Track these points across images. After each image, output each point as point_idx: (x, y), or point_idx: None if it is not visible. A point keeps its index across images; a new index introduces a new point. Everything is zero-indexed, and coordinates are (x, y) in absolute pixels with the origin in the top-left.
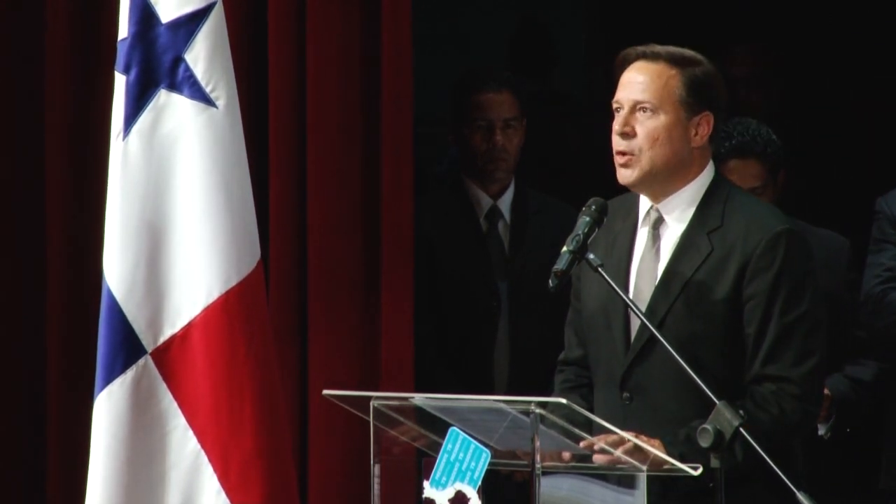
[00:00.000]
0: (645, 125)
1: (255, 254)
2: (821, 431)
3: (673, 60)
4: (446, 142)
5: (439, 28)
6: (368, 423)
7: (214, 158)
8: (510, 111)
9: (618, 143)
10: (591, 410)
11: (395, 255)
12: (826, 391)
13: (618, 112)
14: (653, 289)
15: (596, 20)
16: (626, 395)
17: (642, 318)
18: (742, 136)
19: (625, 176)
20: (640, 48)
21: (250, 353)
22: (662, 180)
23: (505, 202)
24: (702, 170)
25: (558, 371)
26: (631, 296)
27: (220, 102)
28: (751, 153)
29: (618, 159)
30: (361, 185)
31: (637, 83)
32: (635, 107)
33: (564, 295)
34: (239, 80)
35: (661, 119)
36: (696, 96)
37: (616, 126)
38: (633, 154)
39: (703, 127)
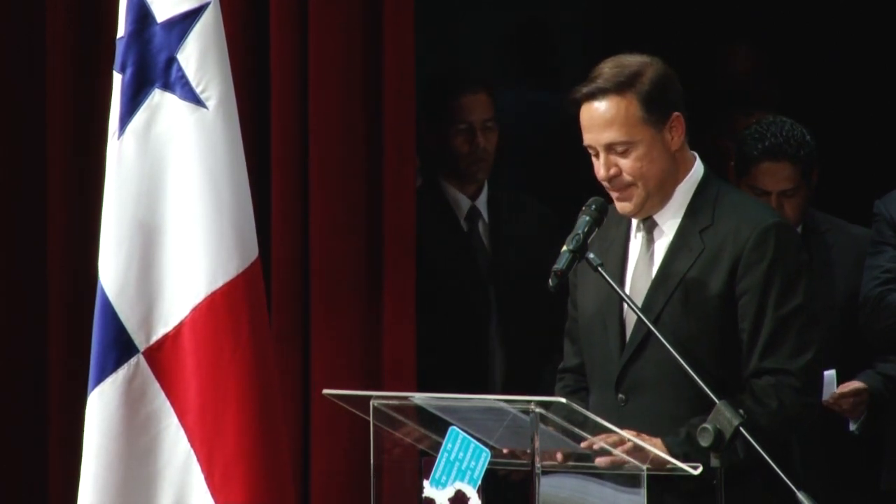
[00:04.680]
0: (626, 161)
1: (249, 254)
2: (851, 427)
3: (619, 87)
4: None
5: (442, 29)
6: (370, 423)
7: (204, 159)
8: (488, 112)
9: (607, 185)
10: None
11: (397, 256)
12: (863, 385)
13: (594, 155)
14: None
15: (596, 21)
16: (621, 396)
17: (639, 314)
18: (775, 137)
19: (624, 209)
20: (584, 88)
21: (237, 354)
22: (657, 197)
23: (482, 202)
24: (688, 168)
25: (558, 379)
26: None
27: (211, 103)
28: (783, 156)
29: (613, 195)
30: (363, 186)
31: (598, 125)
32: (609, 148)
33: (559, 291)
34: (240, 81)
35: (638, 150)
36: (656, 108)
37: (601, 172)
38: (625, 188)
39: (677, 129)
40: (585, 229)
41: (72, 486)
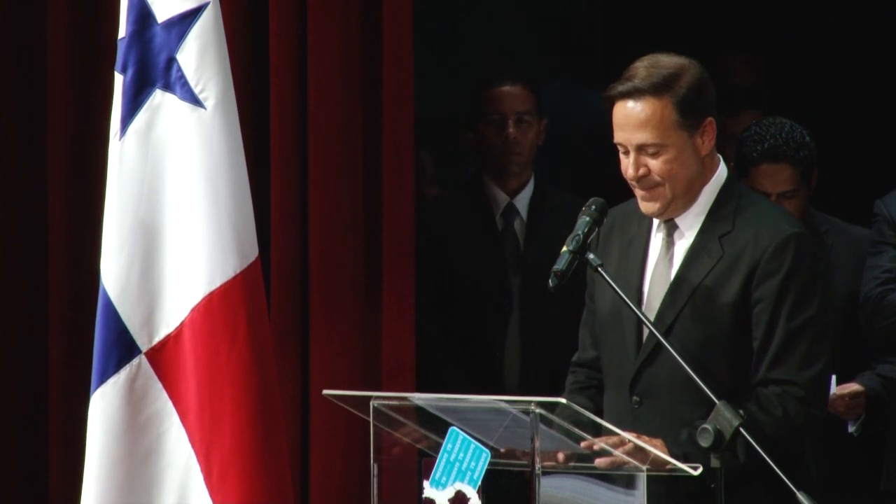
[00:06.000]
0: (655, 163)
1: (248, 254)
2: (850, 428)
3: (656, 89)
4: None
5: (441, 28)
6: (369, 423)
7: (202, 159)
8: (523, 105)
9: (635, 185)
10: (598, 412)
11: (396, 255)
12: (860, 388)
13: (624, 153)
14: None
15: (596, 23)
16: (635, 398)
17: (647, 322)
18: (774, 139)
19: (650, 209)
20: (621, 87)
21: (233, 354)
22: (683, 199)
23: (522, 200)
24: (713, 172)
25: (570, 372)
26: (644, 302)
27: (209, 103)
28: (783, 158)
29: (639, 194)
30: (363, 185)
31: (632, 125)
32: (640, 148)
33: (576, 293)
34: (240, 81)
35: (670, 152)
36: (691, 113)
37: (630, 171)
38: (653, 188)
39: (708, 134)
40: (585, 230)
41: (73, 487)
